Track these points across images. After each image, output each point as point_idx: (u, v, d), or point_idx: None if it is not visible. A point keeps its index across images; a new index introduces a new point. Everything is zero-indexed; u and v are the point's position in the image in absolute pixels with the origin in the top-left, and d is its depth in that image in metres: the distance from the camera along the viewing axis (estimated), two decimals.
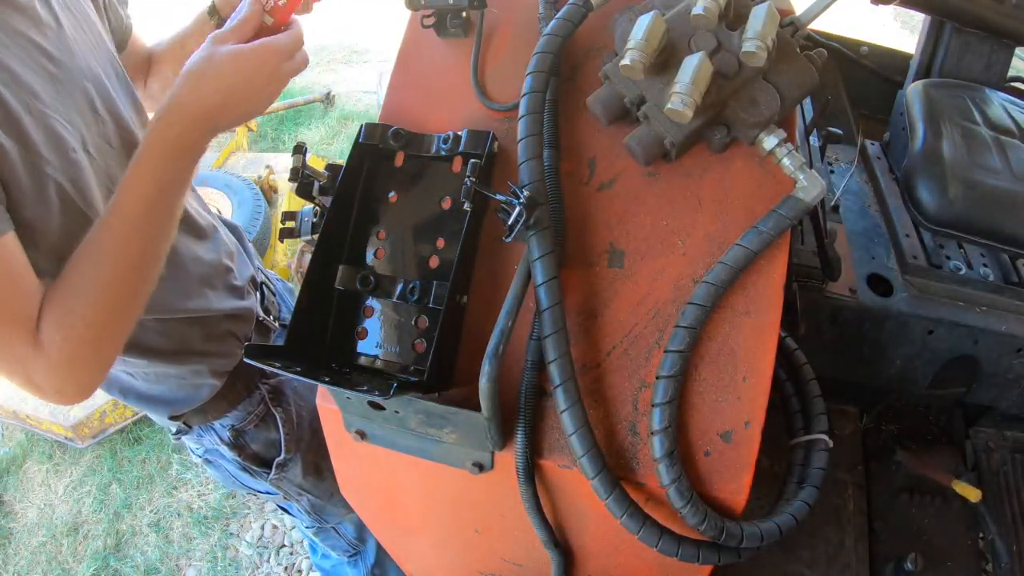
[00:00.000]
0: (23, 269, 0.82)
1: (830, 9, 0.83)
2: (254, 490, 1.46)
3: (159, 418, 1.26)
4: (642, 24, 0.74)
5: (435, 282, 0.85)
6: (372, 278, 0.86)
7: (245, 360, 0.78)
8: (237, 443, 1.31)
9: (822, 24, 1.15)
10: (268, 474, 1.35)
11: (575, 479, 0.79)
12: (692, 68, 0.71)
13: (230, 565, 2.39)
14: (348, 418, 0.87)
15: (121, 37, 1.19)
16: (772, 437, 0.84)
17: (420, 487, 0.98)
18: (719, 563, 0.78)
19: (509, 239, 0.74)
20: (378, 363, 0.86)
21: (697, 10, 0.74)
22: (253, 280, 1.35)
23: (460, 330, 0.85)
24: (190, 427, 1.27)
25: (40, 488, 2.64)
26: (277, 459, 1.34)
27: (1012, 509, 1.45)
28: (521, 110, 0.80)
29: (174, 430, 1.29)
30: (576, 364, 0.78)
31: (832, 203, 1.44)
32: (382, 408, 0.81)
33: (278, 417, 1.32)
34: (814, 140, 1.45)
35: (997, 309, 1.32)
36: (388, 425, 0.85)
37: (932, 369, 1.35)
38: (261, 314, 1.33)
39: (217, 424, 1.28)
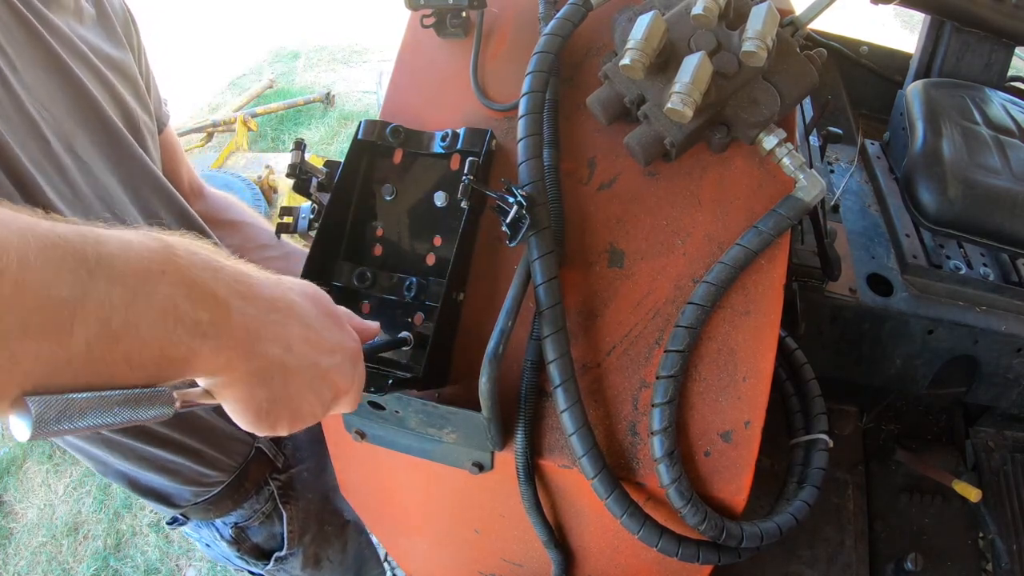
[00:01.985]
0: None
1: (830, 9, 0.83)
2: (246, 570, 1.35)
3: (154, 506, 1.15)
4: (642, 24, 0.74)
5: (432, 279, 0.85)
6: (369, 274, 0.86)
7: None
8: (237, 539, 1.22)
9: (822, 24, 1.15)
10: (265, 564, 1.27)
11: (575, 479, 0.79)
12: (692, 68, 0.71)
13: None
14: (348, 418, 0.87)
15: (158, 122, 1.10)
16: (772, 437, 0.84)
17: (420, 487, 0.98)
18: (719, 563, 0.78)
19: (514, 243, 0.74)
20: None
21: (697, 10, 0.74)
22: None
23: (456, 327, 0.85)
24: (188, 519, 1.16)
25: (40, 488, 2.64)
26: (278, 553, 1.26)
27: (1012, 509, 1.45)
28: (521, 110, 0.80)
29: (168, 519, 1.17)
30: (576, 364, 0.78)
31: (832, 203, 1.44)
32: (382, 408, 0.81)
33: (285, 515, 1.23)
34: (814, 140, 1.45)
35: (997, 309, 1.32)
36: (388, 425, 0.84)
37: (932, 369, 1.35)
38: None
39: (219, 522, 1.18)
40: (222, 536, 1.20)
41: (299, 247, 1.28)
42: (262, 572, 1.31)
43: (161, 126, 1.11)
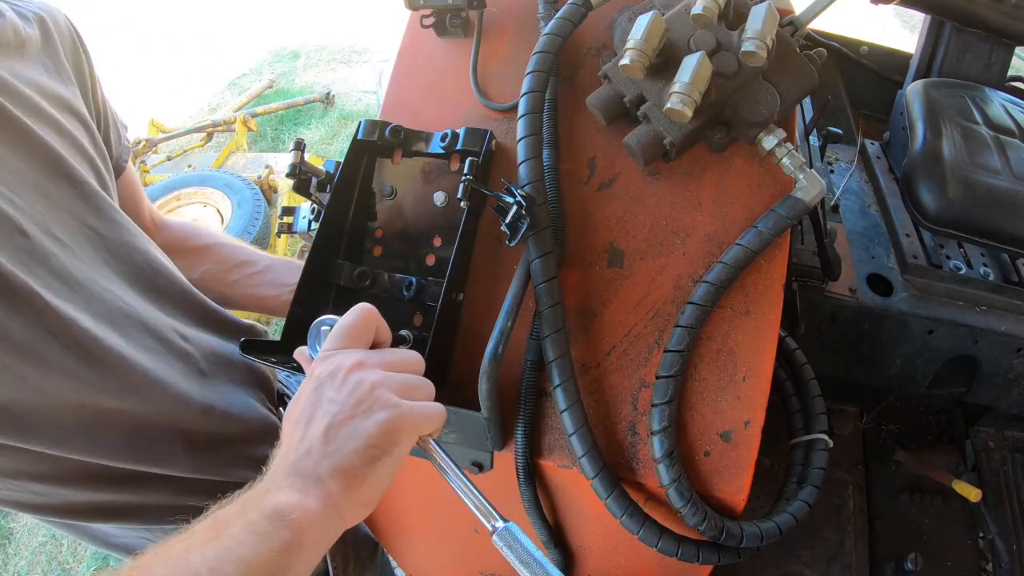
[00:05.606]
0: None
1: (830, 9, 0.83)
2: None
3: None
4: (641, 23, 0.74)
5: (432, 279, 0.85)
6: (369, 274, 0.86)
7: (241, 354, 0.76)
8: None
9: (822, 24, 1.15)
10: None
11: (575, 479, 0.79)
12: (692, 67, 0.71)
13: None
14: None
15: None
16: (772, 437, 0.84)
17: (420, 487, 0.98)
18: (719, 563, 0.78)
19: (514, 243, 0.74)
20: None
21: (697, 9, 0.74)
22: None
23: (456, 327, 0.85)
24: None
25: None
26: None
27: (1012, 509, 1.45)
28: (520, 110, 0.80)
29: None
30: (576, 364, 0.78)
31: (832, 203, 1.44)
32: None
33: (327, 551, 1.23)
34: (814, 140, 1.45)
35: (997, 309, 1.32)
36: None
37: (932, 369, 1.35)
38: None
39: None
40: None
41: (280, 258, 1.26)
42: None
43: (122, 163, 1.03)
